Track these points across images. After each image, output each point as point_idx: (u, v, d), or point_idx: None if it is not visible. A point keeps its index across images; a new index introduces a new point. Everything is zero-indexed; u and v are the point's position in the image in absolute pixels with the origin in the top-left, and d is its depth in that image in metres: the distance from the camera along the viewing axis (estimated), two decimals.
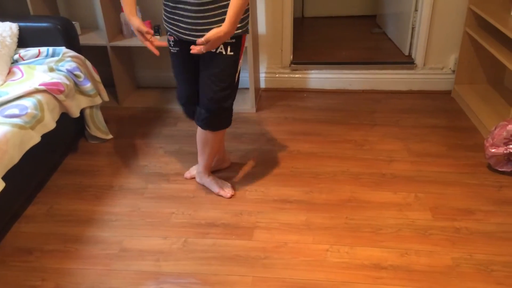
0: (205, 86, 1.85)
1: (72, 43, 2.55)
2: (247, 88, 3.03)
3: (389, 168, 2.31)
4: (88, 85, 2.40)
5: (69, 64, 2.35)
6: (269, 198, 2.13)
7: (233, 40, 1.79)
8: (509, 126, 2.10)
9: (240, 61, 1.88)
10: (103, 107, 2.66)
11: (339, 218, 1.98)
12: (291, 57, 3.19)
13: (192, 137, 2.66)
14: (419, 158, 2.38)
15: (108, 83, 2.93)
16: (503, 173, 2.21)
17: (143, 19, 2.88)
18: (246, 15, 1.79)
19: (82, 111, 2.46)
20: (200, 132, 2.02)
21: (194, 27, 1.74)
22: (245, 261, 1.78)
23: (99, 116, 2.56)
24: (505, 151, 2.12)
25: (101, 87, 2.55)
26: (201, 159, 2.13)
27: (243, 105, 2.97)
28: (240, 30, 1.77)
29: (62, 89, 2.22)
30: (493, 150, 2.15)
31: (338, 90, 3.16)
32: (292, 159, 2.42)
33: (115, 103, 3.03)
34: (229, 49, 1.80)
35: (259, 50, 3.09)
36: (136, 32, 1.79)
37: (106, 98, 2.59)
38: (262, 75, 3.20)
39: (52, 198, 2.17)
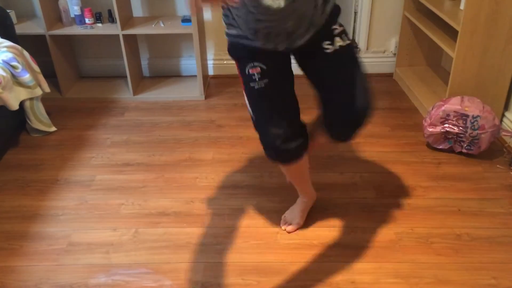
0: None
1: (7, 32, 2.43)
2: (195, 76, 3.01)
3: (336, 150, 2.38)
4: (26, 76, 2.30)
5: (5, 55, 2.24)
6: (220, 184, 2.14)
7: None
8: (445, 106, 2.21)
9: None
10: (45, 99, 2.56)
11: (289, 201, 2.02)
12: None
13: (140, 126, 2.62)
14: (364, 139, 2.46)
15: (49, 74, 2.82)
16: (441, 150, 2.33)
17: (84, 5, 2.78)
18: None
19: (21, 104, 2.36)
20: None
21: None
22: (197, 248, 1.79)
23: (40, 108, 2.47)
24: (441, 130, 2.23)
25: (41, 77, 2.45)
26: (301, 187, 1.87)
27: (192, 92, 2.95)
28: None
29: None
30: (430, 129, 2.26)
31: None
32: (242, 145, 2.44)
33: (57, 94, 2.92)
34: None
35: (205, 37, 3.06)
36: None
37: (47, 89, 2.49)
38: (210, 62, 3.18)
39: None
